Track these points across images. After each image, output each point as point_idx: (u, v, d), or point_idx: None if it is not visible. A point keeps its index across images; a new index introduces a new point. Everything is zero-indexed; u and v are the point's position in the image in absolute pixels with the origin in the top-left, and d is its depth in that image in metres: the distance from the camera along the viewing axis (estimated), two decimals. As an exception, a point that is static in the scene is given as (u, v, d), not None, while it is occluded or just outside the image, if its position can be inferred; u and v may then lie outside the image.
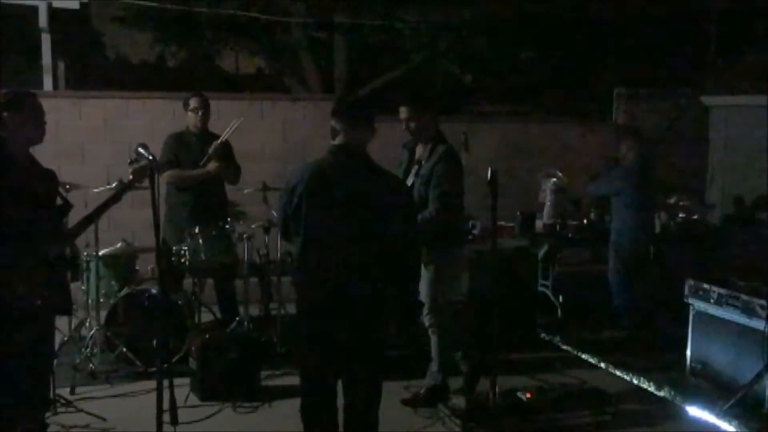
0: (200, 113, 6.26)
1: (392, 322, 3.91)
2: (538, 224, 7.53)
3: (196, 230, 5.88)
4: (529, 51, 11.45)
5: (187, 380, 5.23)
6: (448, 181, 4.95)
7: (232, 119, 6.48)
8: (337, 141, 3.70)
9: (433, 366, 5.25)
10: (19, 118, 3.79)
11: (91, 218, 3.97)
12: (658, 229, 7.42)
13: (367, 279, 3.62)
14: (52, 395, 4.65)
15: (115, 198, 4.00)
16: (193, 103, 6.28)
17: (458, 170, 5.05)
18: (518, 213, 7.51)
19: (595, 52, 12.44)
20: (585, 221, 7.61)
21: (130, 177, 3.92)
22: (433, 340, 5.19)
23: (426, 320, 5.16)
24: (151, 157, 3.57)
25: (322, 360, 3.75)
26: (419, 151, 5.14)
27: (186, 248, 5.84)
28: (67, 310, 4.19)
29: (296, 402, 4.46)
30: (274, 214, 6.36)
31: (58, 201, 4.04)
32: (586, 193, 7.39)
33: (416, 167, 5.07)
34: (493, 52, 11.15)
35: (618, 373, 5.84)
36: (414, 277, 4.14)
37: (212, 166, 6.16)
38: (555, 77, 12.67)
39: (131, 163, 3.94)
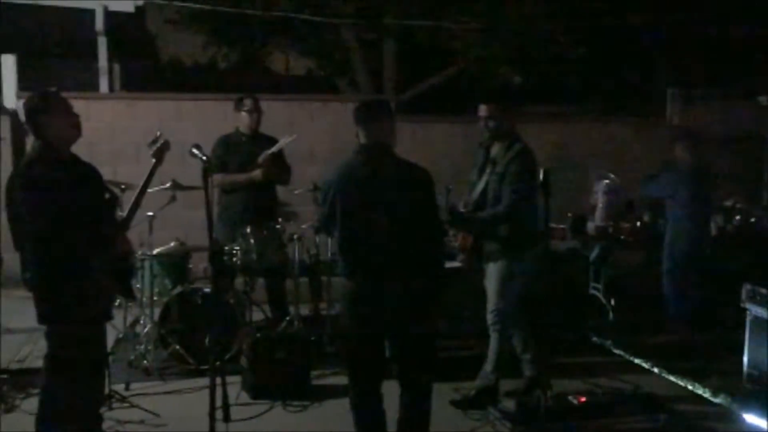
0: (254, 115, 6.31)
1: (427, 305, 4.04)
2: (590, 226, 7.43)
3: (248, 230, 5.93)
4: (580, 50, 11.29)
5: (238, 378, 5.28)
6: (522, 179, 4.94)
7: (282, 120, 6.54)
8: (361, 142, 4.04)
9: (488, 366, 5.19)
10: (52, 118, 3.87)
11: (135, 208, 4.12)
12: (714, 232, 7.27)
13: (398, 266, 3.88)
14: (107, 391, 4.74)
15: (146, 184, 4.16)
16: (247, 104, 6.32)
17: (533, 169, 5.01)
18: (569, 214, 7.43)
19: (648, 52, 12.24)
20: (638, 223, 7.49)
21: (153, 160, 4.12)
22: (493, 338, 5.13)
23: (489, 318, 5.11)
24: (204, 158, 3.62)
25: (363, 346, 4.02)
26: (494, 150, 5.12)
27: (237, 248, 5.90)
28: (131, 296, 4.28)
29: (346, 401, 4.49)
30: (324, 214, 6.40)
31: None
32: (641, 195, 7.27)
33: (491, 166, 5.05)
34: (544, 52, 11.04)
35: (672, 378, 5.73)
36: (440, 260, 4.27)
37: (258, 173, 6.18)
38: (607, 77, 12.51)
39: (150, 144, 4.12)
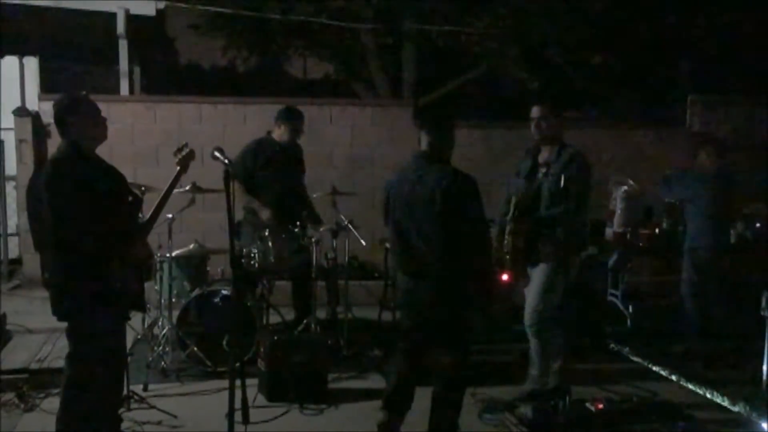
0: (297, 133, 6.42)
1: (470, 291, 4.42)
2: (608, 232, 7.40)
3: (266, 233, 5.96)
4: (599, 56, 11.25)
5: (254, 381, 5.30)
6: (584, 180, 4.97)
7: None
8: (421, 147, 4.43)
9: (534, 370, 5.16)
10: (80, 120, 3.93)
11: (157, 213, 4.17)
12: (733, 239, 7.21)
13: (439, 259, 4.24)
14: (126, 391, 4.77)
15: (170, 190, 4.23)
16: (296, 124, 6.40)
17: (589, 173, 5.04)
18: (587, 220, 7.40)
19: (668, 58, 12.18)
20: (657, 230, 7.45)
21: (177, 168, 4.20)
22: (534, 342, 5.11)
23: (527, 319, 5.07)
24: (227, 161, 3.63)
25: (409, 327, 4.52)
26: (544, 155, 5.09)
27: (256, 251, 5.92)
28: (142, 307, 4.33)
29: (362, 405, 4.52)
30: (343, 218, 6.42)
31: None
32: (660, 195, 7.20)
33: (543, 169, 5.01)
34: (563, 58, 11.01)
35: (690, 386, 5.70)
36: (484, 252, 4.49)
37: (266, 214, 6.18)
38: (627, 83, 12.45)
39: (176, 153, 4.21)
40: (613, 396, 5.33)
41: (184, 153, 4.22)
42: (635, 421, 4.86)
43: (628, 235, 7.32)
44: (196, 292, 5.86)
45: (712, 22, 11.09)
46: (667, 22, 11.06)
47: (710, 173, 6.63)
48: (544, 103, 5.06)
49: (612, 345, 6.60)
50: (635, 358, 6.35)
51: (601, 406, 4.93)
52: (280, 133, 6.41)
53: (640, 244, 7.34)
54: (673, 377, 5.89)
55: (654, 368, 6.10)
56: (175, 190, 5.68)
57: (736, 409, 5.26)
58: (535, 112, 5.04)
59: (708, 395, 5.51)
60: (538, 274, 5.02)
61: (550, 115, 5.01)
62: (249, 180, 6.28)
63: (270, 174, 6.31)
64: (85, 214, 3.72)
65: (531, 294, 5.06)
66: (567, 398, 4.82)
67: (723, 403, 5.36)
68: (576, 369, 5.69)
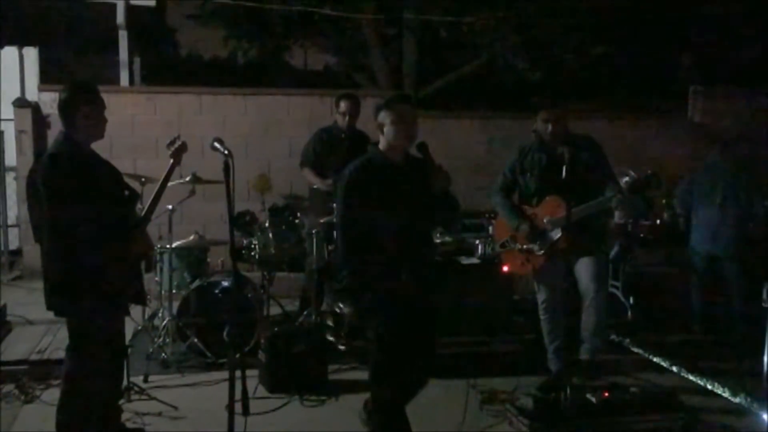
0: (346, 118, 6.55)
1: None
2: (609, 223, 7.37)
3: (267, 224, 5.95)
4: (601, 47, 11.22)
5: (255, 372, 5.29)
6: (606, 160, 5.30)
7: (302, 115, 6.55)
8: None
9: (590, 342, 5.36)
10: (94, 113, 3.91)
11: (154, 206, 4.17)
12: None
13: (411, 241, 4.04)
14: (126, 383, 4.77)
15: (165, 182, 4.23)
16: (342, 107, 6.58)
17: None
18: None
19: (670, 49, 12.15)
20: (658, 221, 7.43)
21: (171, 160, 4.21)
22: (592, 317, 5.29)
23: (588, 295, 5.24)
24: (226, 152, 3.60)
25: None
26: (562, 147, 5.07)
27: (256, 242, 5.91)
28: (142, 300, 4.32)
29: (363, 396, 4.49)
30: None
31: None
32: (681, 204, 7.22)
33: (570, 165, 4.94)
34: (564, 48, 10.98)
35: (691, 377, 5.69)
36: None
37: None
38: (628, 74, 12.43)
39: (169, 145, 4.24)
40: (614, 388, 5.31)
41: (176, 145, 4.23)
42: (636, 412, 4.85)
43: (629, 227, 7.30)
44: (197, 283, 5.85)
45: (714, 13, 11.06)
46: (669, 13, 11.03)
47: (715, 166, 6.61)
48: (548, 108, 5.19)
49: (613, 336, 6.59)
50: (636, 349, 6.34)
51: (604, 395, 4.92)
52: (338, 121, 6.67)
53: (641, 236, 7.32)
54: (674, 368, 5.88)
55: (655, 359, 6.10)
56: (176, 181, 5.72)
57: (737, 400, 5.25)
58: (542, 115, 5.16)
59: (709, 386, 5.50)
60: (590, 261, 5.19)
61: (560, 117, 5.17)
62: (319, 165, 6.59)
63: (338, 162, 6.40)
64: (82, 208, 3.71)
65: (589, 278, 5.21)
66: (567, 389, 4.81)
67: (724, 394, 5.35)
68: (577, 360, 5.68)
